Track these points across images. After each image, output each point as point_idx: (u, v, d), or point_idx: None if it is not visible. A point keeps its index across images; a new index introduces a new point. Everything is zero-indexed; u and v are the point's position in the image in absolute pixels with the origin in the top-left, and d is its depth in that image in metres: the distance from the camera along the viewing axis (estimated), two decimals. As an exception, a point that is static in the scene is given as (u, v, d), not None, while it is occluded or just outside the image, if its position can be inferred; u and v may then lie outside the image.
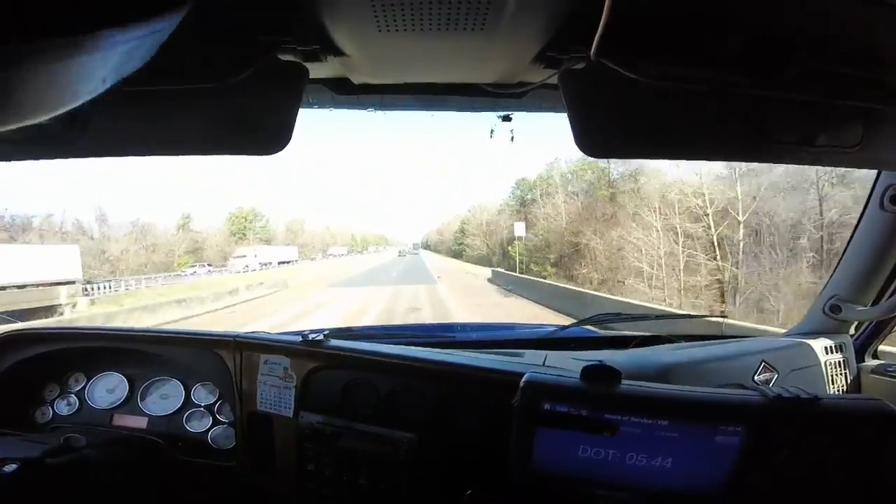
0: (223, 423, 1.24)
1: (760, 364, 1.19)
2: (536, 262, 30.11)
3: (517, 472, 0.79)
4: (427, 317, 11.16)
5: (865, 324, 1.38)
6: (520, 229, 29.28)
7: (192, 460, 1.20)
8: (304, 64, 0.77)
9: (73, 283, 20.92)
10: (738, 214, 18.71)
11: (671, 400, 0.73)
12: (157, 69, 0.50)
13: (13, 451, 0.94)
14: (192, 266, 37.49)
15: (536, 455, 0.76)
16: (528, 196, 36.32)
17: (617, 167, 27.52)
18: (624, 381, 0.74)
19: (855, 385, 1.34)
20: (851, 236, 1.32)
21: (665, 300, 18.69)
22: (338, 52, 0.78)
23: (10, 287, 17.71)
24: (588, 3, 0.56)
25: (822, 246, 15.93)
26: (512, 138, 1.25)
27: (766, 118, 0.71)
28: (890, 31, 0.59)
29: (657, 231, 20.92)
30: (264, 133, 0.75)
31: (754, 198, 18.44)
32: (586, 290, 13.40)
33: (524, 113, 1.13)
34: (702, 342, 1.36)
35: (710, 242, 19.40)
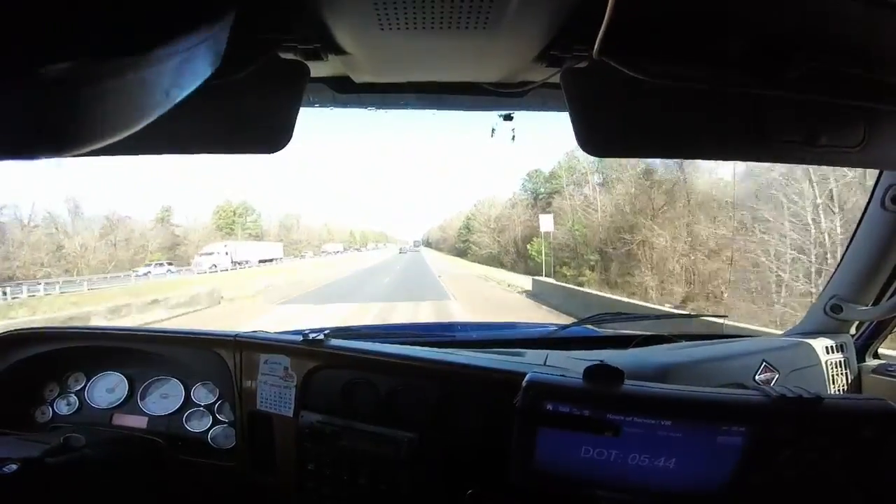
0: (223, 422, 1.24)
1: (761, 364, 1.18)
2: (566, 263, 23.49)
3: (518, 473, 0.78)
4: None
5: (866, 324, 1.38)
6: (547, 223, 22.78)
7: (192, 460, 1.20)
8: (305, 62, 0.76)
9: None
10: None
11: (674, 400, 0.73)
12: None
13: (13, 451, 0.93)
14: (147, 266, 29.90)
15: (538, 455, 0.76)
16: (542, 190, 31.29)
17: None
18: (626, 382, 0.74)
19: (855, 385, 1.34)
20: (852, 236, 1.32)
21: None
22: (339, 51, 0.78)
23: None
24: (591, 2, 0.55)
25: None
26: (513, 137, 1.25)
27: (767, 117, 0.71)
28: (892, 31, 0.59)
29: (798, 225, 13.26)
30: (265, 132, 0.74)
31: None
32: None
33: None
34: (702, 342, 1.36)
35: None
